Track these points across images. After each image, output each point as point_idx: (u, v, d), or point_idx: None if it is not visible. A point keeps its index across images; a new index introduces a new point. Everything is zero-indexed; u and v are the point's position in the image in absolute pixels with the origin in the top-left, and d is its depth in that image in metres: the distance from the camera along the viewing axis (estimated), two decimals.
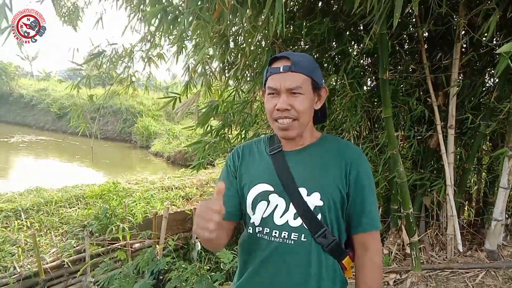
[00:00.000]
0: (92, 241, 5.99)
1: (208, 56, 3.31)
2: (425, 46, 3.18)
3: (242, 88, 3.70)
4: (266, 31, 2.94)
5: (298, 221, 1.30)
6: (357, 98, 3.13)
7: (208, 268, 4.77)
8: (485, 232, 3.32)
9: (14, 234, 5.85)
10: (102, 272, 5.29)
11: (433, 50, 3.23)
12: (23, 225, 6.15)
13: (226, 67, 3.69)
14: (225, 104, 3.69)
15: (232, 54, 3.62)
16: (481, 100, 3.33)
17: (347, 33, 3.28)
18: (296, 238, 1.29)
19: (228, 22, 2.80)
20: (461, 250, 3.12)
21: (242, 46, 3.43)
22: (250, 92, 3.37)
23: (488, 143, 3.63)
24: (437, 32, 3.12)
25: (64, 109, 22.03)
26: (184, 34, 3.10)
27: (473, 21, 2.80)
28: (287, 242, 1.30)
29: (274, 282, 1.32)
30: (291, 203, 1.30)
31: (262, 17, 2.88)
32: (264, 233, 1.33)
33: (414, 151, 3.28)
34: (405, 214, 2.96)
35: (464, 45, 3.09)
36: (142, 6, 3.45)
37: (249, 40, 3.21)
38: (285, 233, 1.30)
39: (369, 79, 3.57)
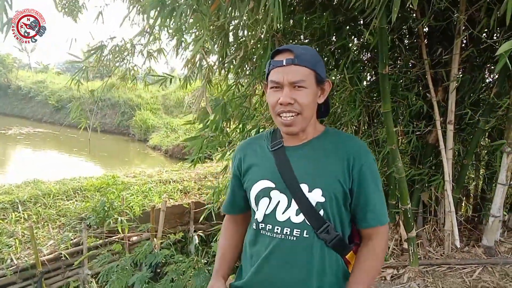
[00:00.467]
0: (90, 234, 6.00)
1: (206, 49, 3.29)
2: (425, 41, 3.16)
3: (241, 82, 3.68)
4: (265, 25, 2.91)
5: (300, 217, 1.29)
6: (356, 92, 3.12)
7: (206, 261, 4.78)
8: (482, 228, 3.33)
9: (12, 226, 5.86)
10: (99, 264, 5.30)
11: (433, 45, 3.22)
12: (21, 217, 6.15)
13: (226, 61, 3.67)
14: (224, 98, 3.67)
15: (232, 47, 3.60)
16: (480, 96, 3.31)
17: (347, 27, 3.26)
18: (299, 234, 1.29)
19: (227, 16, 2.78)
20: (459, 246, 3.12)
21: (241, 39, 3.40)
22: (250, 86, 3.35)
23: (486, 139, 3.62)
24: (437, 27, 3.10)
25: (62, 102, 22.00)
26: (182, 27, 3.07)
27: (473, 16, 2.78)
28: (289, 238, 1.30)
29: (276, 278, 1.32)
30: (293, 200, 1.30)
31: (262, 11, 2.87)
32: (267, 229, 1.34)
33: (413, 146, 3.28)
34: (403, 209, 2.95)
35: (464, 40, 3.07)
36: None
37: (249, 33, 3.19)
38: (287, 229, 1.30)
39: (368, 73, 3.56)
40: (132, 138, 19.57)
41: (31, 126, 20.59)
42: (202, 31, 2.76)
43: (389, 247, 3.31)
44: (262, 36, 3.08)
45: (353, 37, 3.53)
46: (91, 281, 5.67)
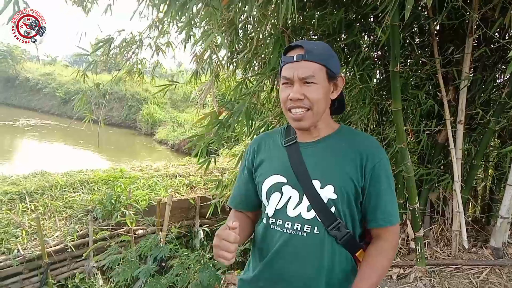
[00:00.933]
0: (96, 226, 6.03)
1: (216, 44, 3.27)
2: (437, 39, 3.13)
3: (250, 78, 3.66)
4: (275, 21, 2.89)
5: (311, 214, 1.29)
6: (366, 90, 3.10)
7: (211, 256, 4.78)
8: (490, 229, 3.31)
9: (19, 217, 5.90)
10: (105, 257, 5.33)
11: (444, 44, 3.18)
12: (27, 208, 6.19)
13: (235, 56, 3.66)
14: (232, 94, 3.66)
15: (241, 43, 3.58)
16: (491, 96, 3.28)
17: (358, 24, 3.23)
18: (309, 230, 1.29)
19: (238, 10, 2.76)
20: (467, 247, 3.10)
21: (251, 35, 3.39)
22: (258, 82, 3.33)
23: (496, 139, 3.59)
24: (449, 25, 3.07)
25: (69, 94, 22.06)
26: (192, 21, 3.06)
27: (486, 15, 2.75)
28: (300, 234, 1.30)
29: (286, 273, 1.33)
30: (304, 195, 1.30)
31: (272, 6, 2.85)
32: (277, 224, 1.34)
33: (422, 145, 3.25)
34: (411, 208, 2.94)
35: (476, 39, 3.04)
36: None
37: (258, 29, 3.17)
38: (297, 225, 1.30)
39: (378, 71, 3.53)
40: (139, 131, 19.61)
41: (38, 118, 20.69)
42: (212, 25, 2.75)
43: None
44: (272, 31, 3.06)
45: (363, 34, 3.50)
46: (97, 273, 5.71)
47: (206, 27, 3.38)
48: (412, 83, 3.25)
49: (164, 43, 4.12)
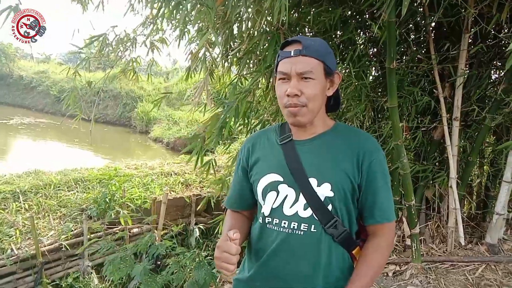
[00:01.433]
0: (91, 225, 5.99)
1: (210, 42, 3.24)
2: (432, 36, 3.12)
3: (245, 76, 3.64)
4: (270, 18, 2.87)
5: (308, 212, 1.27)
6: (362, 87, 3.09)
7: (207, 254, 4.76)
8: (485, 225, 3.31)
9: (12, 216, 5.84)
10: (100, 255, 5.30)
11: (440, 40, 3.18)
12: (21, 208, 6.13)
13: (229, 54, 3.63)
14: (226, 90, 3.64)
15: (236, 40, 3.56)
16: (487, 92, 3.28)
17: (353, 21, 3.22)
18: (306, 229, 1.27)
19: (232, 7, 2.74)
20: (463, 243, 3.11)
21: (246, 32, 3.36)
22: (254, 80, 3.31)
23: (492, 136, 3.59)
24: (445, 22, 3.06)
25: (63, 92, 21.82)
26: (186, 19, 3.04)
27: (482, 11, 2.74)
28: (297, 232, 1.28)
29: (282, 272, 1.31)
30: (301, 194, 1.28)
31: (266, 3, 2.82)
32: (274, 223, 1.32)
33: (418, 142, 3.25)
34: (406, 205, 2.93)
35: (472, 36, 3.03)
36: None
37: (253, 26, 3.15)
38: (294, 224, 1.28)
39: (374, 68, 3.52)
40: (134, 129, 19.52)
41: (32, 116, 20.54)
42: (206, 23, 2.72)
43: None
44: (268, 29, 3.04)
45: (359, 31, 3.49)
46: (91, 272, 5.68)
47: (200, 24, 3.35)
48: (408, 80, 3.24)
49: (158, 40, 4.09)
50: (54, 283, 5.58)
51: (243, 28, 3.37)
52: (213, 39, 3.01)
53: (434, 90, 3.13)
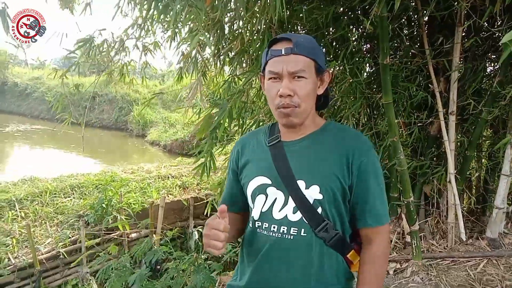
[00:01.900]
0: (88, 232, 5.94)
1: (201, 42, 3.21)
2: (426, 30, 3.09)
3: (238, 76, 3.60)
4: (262, 17, 2.83)
5: (298, 215, 1.23)
6: (356, 84, 3.05)
7: (206, 257, 4.73)
8: (485, 220, 3.28)
9: (8, 225, 5.80)
10: (98, 263, 5.25)
11: (433, 34, 3.15)
12: (17, 216, 6.09)
13: (221, 54, 3.59)
14: (221, 91, 3.60)
15: (228, 40, 3.52)
16: (482, 85, 3.25)
17: (345, 17, 3.18)
18: (296, 233, 1.23)
19: (222, 9, 2.71)
20: (464, 239, 3.07)
21: (237, 32, 3.33)
22: (247, 80, 3.27)
23: (489, 129, 3.56)
24: (438, 16, 3.03)
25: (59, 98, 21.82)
26: (177, 20, 3.00)
27: (475, 3, 2.71)
28: (286, 237, 1.23)
29: (273, 279, 1.26)
30: (290, 197, 1.23)
31: (259, 2, 2.79)
32: (263, 228, 1.28)
33: (415, 138, 3.22)
34: (405, 202, 2.90)
35: (465, 29, 3.00)
36: None
37: (245, 25, 3.12)
38: (283, 228, 1.24)
39: (368, 64, 3.49)
40: (130, 133, 19.46)
41: (28, 123, 20.47)
42: (197, 24, 2.69)
43: (391, 241, 3.26)
44: (260, 28, 3.01)
45: (352, 27, 3.46)
46: (90, 279, 5.63)
47: (191, 25, 3.32)
48: (403, 75, 3.20)
49: (151, 43, 4.03)
50: None
51: (235, 27, 3.34)
52: (205, 40, 2.97)
53: (430, 85, 3.09)
